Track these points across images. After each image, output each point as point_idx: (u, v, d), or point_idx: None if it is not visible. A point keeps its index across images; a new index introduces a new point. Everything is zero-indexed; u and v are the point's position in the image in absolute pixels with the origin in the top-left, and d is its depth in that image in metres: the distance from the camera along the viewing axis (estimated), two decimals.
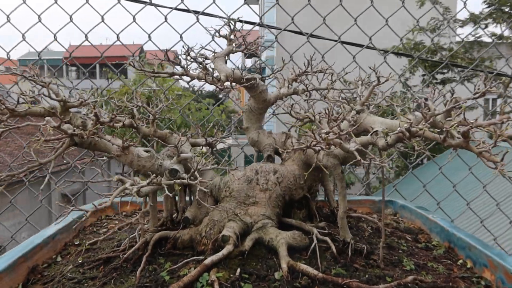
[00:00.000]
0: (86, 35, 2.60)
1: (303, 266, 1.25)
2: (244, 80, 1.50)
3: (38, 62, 2.60)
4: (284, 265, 1.25)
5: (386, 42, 2.65)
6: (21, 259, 1.37)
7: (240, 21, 2.25)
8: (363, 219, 1.78)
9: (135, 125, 1.68)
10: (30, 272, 1.39)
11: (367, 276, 1.28)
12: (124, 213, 2.07)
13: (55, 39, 2.66)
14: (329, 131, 0.94)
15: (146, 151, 1.34)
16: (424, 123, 0.90)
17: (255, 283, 1.22)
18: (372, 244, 1.57)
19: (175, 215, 1.55)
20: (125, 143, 1.25)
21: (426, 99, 0.97)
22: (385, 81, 1.14)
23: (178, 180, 1.14)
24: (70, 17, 2.60)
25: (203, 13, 2.59)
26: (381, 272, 1.32)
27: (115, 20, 2.73)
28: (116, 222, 1.92)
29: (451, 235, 1.60)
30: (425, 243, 1.64)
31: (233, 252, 1.29)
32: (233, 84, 1.48)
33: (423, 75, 10.21)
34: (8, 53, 2.58)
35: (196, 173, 1.28)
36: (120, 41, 2.59)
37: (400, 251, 1.52)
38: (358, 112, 1.21)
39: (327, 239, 1.40)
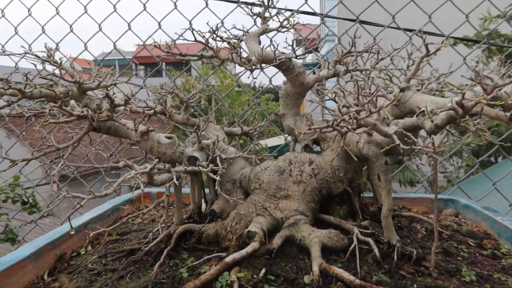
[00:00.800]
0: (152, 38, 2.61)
1: (338, 270, 1.09)
2: (277, 61, 1.35)
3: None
4: (315, 268, 1.10)
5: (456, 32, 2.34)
6: (48, 246, 1.36)
7: (299, 12, 2.12)
8: (416, 219, 1.56)
9: (167, 112, 1.61)
10: (57, 260, 1.37)
11: (415, 286, 1.09)
12: (162, 205, 2.02)
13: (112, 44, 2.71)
14: (359, 108, 0.77)
15: (168, 138, 1.25)
16: (483, 97, 0.70)
17: (282, 286, 1.08)
18: (425, 248, 1.35)
19: (204, 207, 1.45)
20: (144, 128, 1.16)
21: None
22: (436, 50, 0.93)
23: (189, 168, 1.03)
24: (129, 25, 2.66)
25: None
26: (433, 282, 1.11)
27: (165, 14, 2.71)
28: (154, 213, 1.87)
29: None
30: (491, 250, 1.39)
31: (259, 250, 1.16)
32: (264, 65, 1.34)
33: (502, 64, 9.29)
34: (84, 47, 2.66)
35: (219, 162, 1.16)
36: (186, 39, 2.55)
37: (459, 258, 1.29)
38: (402, 90, 1.01)
39: (370, 240, 1.22)
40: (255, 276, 1.08)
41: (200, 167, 1.06)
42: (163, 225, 1.28)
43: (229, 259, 1.10)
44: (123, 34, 2.80)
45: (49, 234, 1.43)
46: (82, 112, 1.00)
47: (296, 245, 1.22)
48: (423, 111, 0.89)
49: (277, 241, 1.19)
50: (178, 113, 1.63)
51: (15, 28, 2.90)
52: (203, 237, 1.29)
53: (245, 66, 1.38)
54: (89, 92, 1.13)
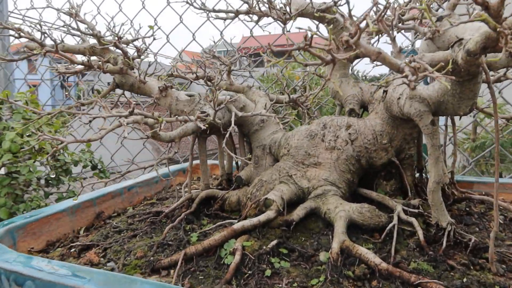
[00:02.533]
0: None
1: (362, 250, 0.91)
2: (317, 14, 1.18)
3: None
4: (335, 245, 0.93)
5: None
6: (87, 203, 1.40)
7: None
8: (491, 204, 1.26)
9: (209, 76, 1.54)
10: (95, 218, 1.40)
11: (464, 280, 0.85)
12: (214, 176, 1.98)
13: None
14: (353, 32, 0.57)
15: (189, 95, 1.18)
16: None
17: (295, 262, 0.94)
18: (496, 239, 1.07)
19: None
20: (164, 84, 1.10)
21: None
22: None
23: (194, 121, 0.93)
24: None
25: None
26: (491, 278, 0.86)
27: None
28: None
29: None
30: None
31: (275, 220, 1.03)
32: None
33: None
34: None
35: (235, 120, 1.05)
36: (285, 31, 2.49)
37: None
38: (439, 19, 0.77)
39: (414, 220, 1.00)
40: (264, 247, 0.95)
41: (212, 120, 0.96)
42: (186, 189, 1.21)
43: (237, 226, 0.99)
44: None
45: (91, 193, 1.48)
46: (87, 61, 0.97)
47: (321, 219, 1.06)
48: (460, 39, 0.66)
49: (298, 212, 1.04)
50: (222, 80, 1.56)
51: None
52: (225, 204, 1.20)
53: (282, 19, 1.23)
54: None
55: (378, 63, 0.67)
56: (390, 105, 1.00)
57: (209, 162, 2.04)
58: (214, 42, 1.65)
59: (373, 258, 0.88)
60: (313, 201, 1.07)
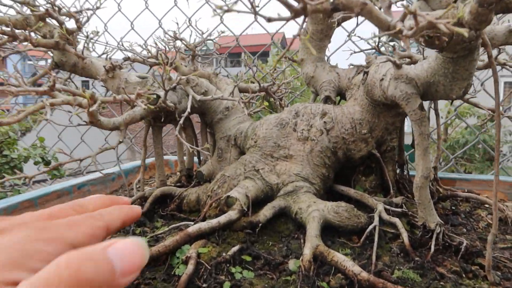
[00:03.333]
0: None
1: (339, 257, 0.77)
2: None
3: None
4: (307, 251, 0.78)
5: None
6: (26, 203, 1.21)
7: None
8: (480, 202, 1.15)
9: (169, 61, 1.38)
10: None
11: None
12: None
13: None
14: None
15: (141, 77, 1.01)
16: None
17: (260, 271, 0.79)
18: (495, 241, 0.95)
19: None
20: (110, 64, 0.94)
21: None
22: None
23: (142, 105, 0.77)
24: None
25: None
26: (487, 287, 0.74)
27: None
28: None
29: None
30: None
31: (238, 222, 0.88)
32: None
33: None
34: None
35: (193, 105, 0.89)
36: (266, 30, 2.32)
37: None
38: None
39: (397, 221, 0.87)
40: (224, 254, 0.80)
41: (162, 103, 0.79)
42: (138, 186, 1.05)
43: (192, 229, 0.83)
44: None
45: (32, 192, 1.29)
46: (11, 30, 0.79)
47: (292, 219, 0.91)
48: None
49: (265, 212, 0.89)
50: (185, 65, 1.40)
51: None
52: (183, 203, 1.04)
53: None
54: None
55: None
56: (371, 88, 0.87)
57: (174, 158, 1.88)
58: (178, 27, 1.48)
59: (352, 266, 0.74)
60: (283, 199, 0.92)
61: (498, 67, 1.22)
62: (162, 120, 0.98)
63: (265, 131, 1.00)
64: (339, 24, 1.14)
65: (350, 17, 0.94)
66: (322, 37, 1.16)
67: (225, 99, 0.92)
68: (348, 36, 1.78)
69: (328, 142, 0.96)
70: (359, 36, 1.46)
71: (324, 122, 0.97)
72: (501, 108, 1.85)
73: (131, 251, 0.34)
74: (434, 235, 0.83)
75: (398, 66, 0.77)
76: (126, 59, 1.27)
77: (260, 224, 0.88)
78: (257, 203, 0.93)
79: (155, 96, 0.89)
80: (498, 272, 0.82)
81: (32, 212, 0.40)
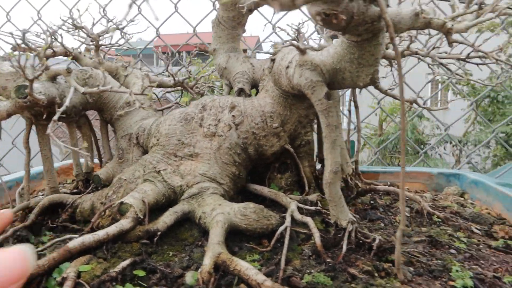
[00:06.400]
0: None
1: (242, 265, 0.68)
2: None
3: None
4: (207, 261, 0.69)
5: None
6: None
7: None
8: (385, 193, 1.13)
9: (71, 52, 1.23)
10: None
11: None
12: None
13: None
14: None
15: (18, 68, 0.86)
16: None
17: (155, 287, 0.68)
18: (403, 236, 0.93)
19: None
20: None
21: None
22: None
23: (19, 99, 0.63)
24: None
25: None
26: (397, 287, 0.69)
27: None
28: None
29: None
30: (504, 241, 0.94)
31: (133, 232, 0.76)
32: None
33: None
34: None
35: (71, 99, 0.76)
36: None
37: (452, 251, 0.86)
38: None
39: (309, 221, 0.81)
40: (111, 270, 0.68)
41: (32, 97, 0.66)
42: (23, 193, 0.90)
43: (73, 244, 0.70)
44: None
45: None
46: None
47: (196, 225, 0.82)
48: None
49: (166, 219, 0.79)
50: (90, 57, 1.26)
51: None
52: (77, 212, 0.91)
53: None
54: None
55: None
56: (278, 77, 0.79)
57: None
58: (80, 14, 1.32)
59: (255, 275, 0.66)
60: (187, 203, 0.83)
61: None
62: (45, 117, 0.83)
63: (168, 127, 0.90)
64: (251, 11, 1.07)
65: (260, 4, 0.86)
66: (235, 24, 1.08)
67: (116, 91, 0.80)
68: (273, 28, 1.73)
69: (237, 138, 0.88)
70: (279, 27, 1.40)
71: (233, 116, 0.89)
72: (420, 100, 1.89)
73: (11, 260, 0.32)
74: (346, 234, 0.77)
75: (302, 51, 0.70)
76: (14, 49, 1.10)
77: (158, 233, 0.77)
78: (159, 208, 0.83)
79: (16, 88, 0.75)
80: (411, 267, 0.78)
81: None
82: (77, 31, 1.24)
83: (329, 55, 0.71)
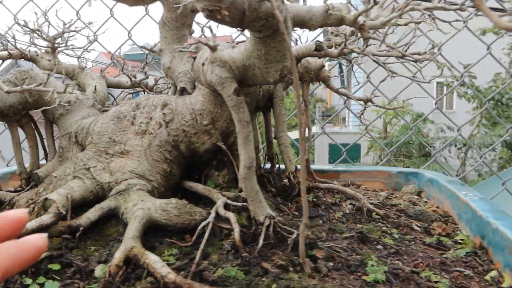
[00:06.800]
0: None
1: (151, 259, 0.70)
2: None
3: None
4: (118, 254, 0.71)
5: None
6: None
7: None
8: (347, 195, 1.14)
9: (26, 55, 1.26)
10: None
11: (273, 286, 0.68)
12: None
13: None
14: None
15: None
16: None
17: (69, 280, 0.70)
18: (335, 232, 0.93)
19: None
20: None
21: None
22: None
23: None
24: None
25: None
26: (306, 282, 0.70)
27: None
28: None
29: (484, 224, 0.88)
30: (437, 237, 0.94)
31: (55, 227, 0.78)
32: None
33: None
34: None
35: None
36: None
37: (378, 247, 0.87)
38: None
39: (231, 216, 0.82)
40: None
41: None
42: None
43: None
44: None
45: None
46: None
47: (121, 221, 0.83)
48: None
49: (90, 215, 0.81)
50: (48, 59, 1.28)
51: None
52: (14, 209, 0.93)
53: None
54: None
55: None
56: (198, 74, 0.81)
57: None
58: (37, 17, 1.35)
59: (160, 268, 0.67)
60: (114, 199, 0.84)
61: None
62: None
63: (101, 125, 0.92)
64: (194, 12, 1.09)
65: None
66: (179, 25, 1.10)
67: (38, 89, 0.82)
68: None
69: (167, 136, 0.90)
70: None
71: (163, 114, 0.90)
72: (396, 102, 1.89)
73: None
74: (264, 228, 0.78)
75: (212, 48, 0.72)
76: None
77: (81, 228, 0.79)
78: (86, 204, 0.84)
79: None
80: (331, 263, 0.79)
81: None
82: (33, 33, 1.27)
83: (240, 52, 0.73)
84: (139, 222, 0.76)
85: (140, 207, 0.79)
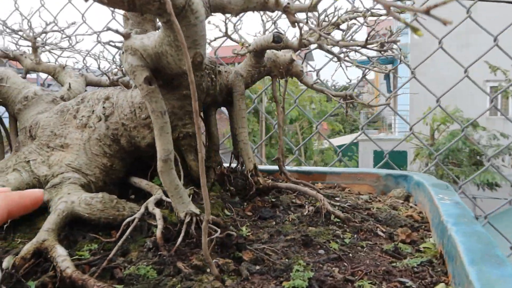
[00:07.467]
0: None
1: (56, 252, 0.68)
2: None
3: None
4: (27, 246, 0.70)
5: None
6: None
7: None
8: (302, 193, 1.06)
9: (8, 54, 1.31)
10: None
11: (179, 286, 0.63)
12: None
13: None
14: None
15: None
16: None
17: None
18: (281, 234, 0.87)
19: None
20: None
21: None
22: None
23: None
24: None
25: None
26: (216, 284, 0.64)
27: None
28: None
29: (444, 230, 0.77)
30: (395, 244, 0.85)
31: None
32: None
33: None
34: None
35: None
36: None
37: (320, 252, 0.79)
38: None
39: (157, 212, 0.78)
40: None
41: None
42: None
43: None
44: None
45: None
46: None
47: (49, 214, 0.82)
48: None
49: None
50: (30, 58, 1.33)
51: None
52: None
53: None
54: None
55: None
56: (123, 65, 0.78)
57: None
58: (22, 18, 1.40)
59: (61, 262, 0.65)
60: (48, 192, 0.83)
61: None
62: None
63: (45, 119, 0.92)
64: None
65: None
66: (140, 20, 1.08)
67: None
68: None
69: (106, 129, 0.88)
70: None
71: (103, 107, 0.89)
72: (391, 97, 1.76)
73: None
74: (184, 226, 0.73)
75: (124, 36, 0.69)
76: None
77: (9, 220, 0.79)
78: None
79: None
80: (258, 266, 0.73)
81: None
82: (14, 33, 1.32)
83: (153, 40, 0.69)
84: (58, 215, 0.74)
85: (64, 200, 0.77)
